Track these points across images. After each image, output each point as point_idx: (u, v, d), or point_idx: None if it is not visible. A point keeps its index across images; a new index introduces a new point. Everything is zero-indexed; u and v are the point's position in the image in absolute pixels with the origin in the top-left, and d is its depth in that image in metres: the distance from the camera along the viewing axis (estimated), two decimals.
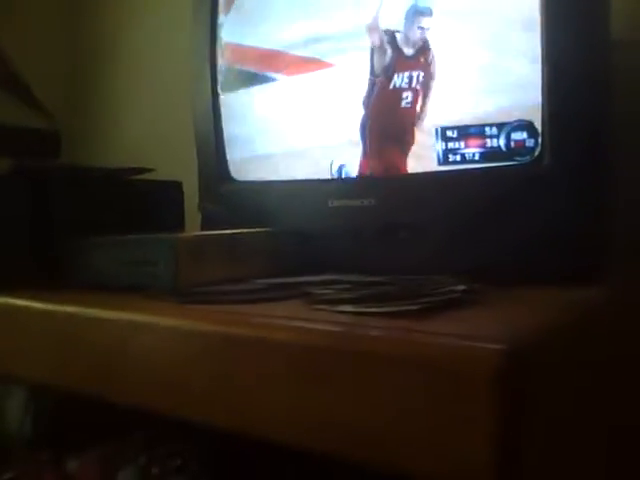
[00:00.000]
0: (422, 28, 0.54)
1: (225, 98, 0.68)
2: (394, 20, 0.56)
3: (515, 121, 0.49)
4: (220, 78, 0.69)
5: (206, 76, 0.69)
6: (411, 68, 0.55)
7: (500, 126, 0.50)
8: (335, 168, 0.59)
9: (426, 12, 0.54)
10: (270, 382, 0.37)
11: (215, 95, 0.69)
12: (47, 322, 0.51)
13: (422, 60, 0.54)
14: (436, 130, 0.53)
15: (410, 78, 0.55)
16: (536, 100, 0.48)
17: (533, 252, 0.47)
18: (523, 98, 0.49)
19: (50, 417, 0.73)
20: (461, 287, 0.42)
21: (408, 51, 0.55)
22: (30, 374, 0.54)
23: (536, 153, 0.49)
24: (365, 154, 0.58)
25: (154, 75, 1.10)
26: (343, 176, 0.59)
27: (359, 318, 0.38)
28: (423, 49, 0.54)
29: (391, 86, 0.56)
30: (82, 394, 0.49)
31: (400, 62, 0.56)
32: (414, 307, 0.38)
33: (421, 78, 0.54)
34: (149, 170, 0.70)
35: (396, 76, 0.56)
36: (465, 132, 0.51)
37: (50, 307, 0.51)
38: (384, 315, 0.38)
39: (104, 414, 0.63)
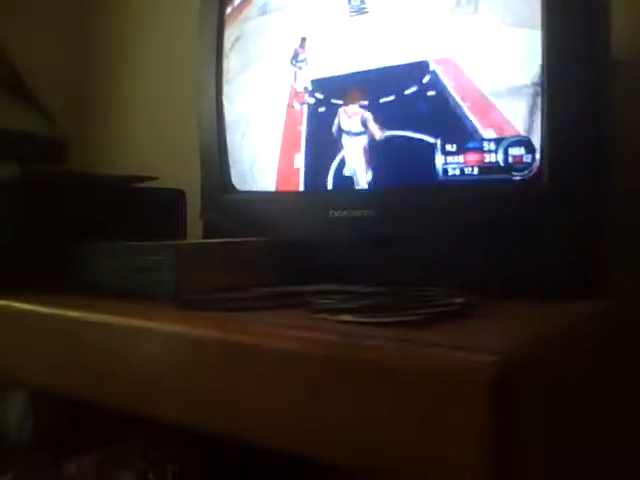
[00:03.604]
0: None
1: (230, 108, 0.69)
2: None
3: (513, 137, 0.50)
4: (225, 88, 0.69)
5: (211, 85, 0.70)
6: None
7: (498, 141, 0.51)
8: (337, 178, 0.60)
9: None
10: (269, 389, 0.37)
11: (220, 105, 0.70)
12: (49, 325, 0.52)
13: None
14: (435, 144, 0.54)
15: None
16: (534, 116, 0.49)
17: (530, 266, 0.48)
18: (521, 113, 0.50)
19: (50, 419, 0.74)
20: (460, 299, 0.42)
21: None
22: (31, 376, 0.54)
23: (534, 169, 0.49)
24: (368, 165, 0.58)
25: (161, 82, 1.11)
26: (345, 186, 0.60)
27: (359, 328, 0.39)
28: None
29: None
30: (82, 398, 0.50)
31: None
32: (414, 318, 0.39)
33: None
34: (153, 178, 0.71)
35: None
36: (464, 147, 0.52)
37: (52, 311, 0.51)
38: (384, 325, 0.38)
39: (104, 418, 0.64)
